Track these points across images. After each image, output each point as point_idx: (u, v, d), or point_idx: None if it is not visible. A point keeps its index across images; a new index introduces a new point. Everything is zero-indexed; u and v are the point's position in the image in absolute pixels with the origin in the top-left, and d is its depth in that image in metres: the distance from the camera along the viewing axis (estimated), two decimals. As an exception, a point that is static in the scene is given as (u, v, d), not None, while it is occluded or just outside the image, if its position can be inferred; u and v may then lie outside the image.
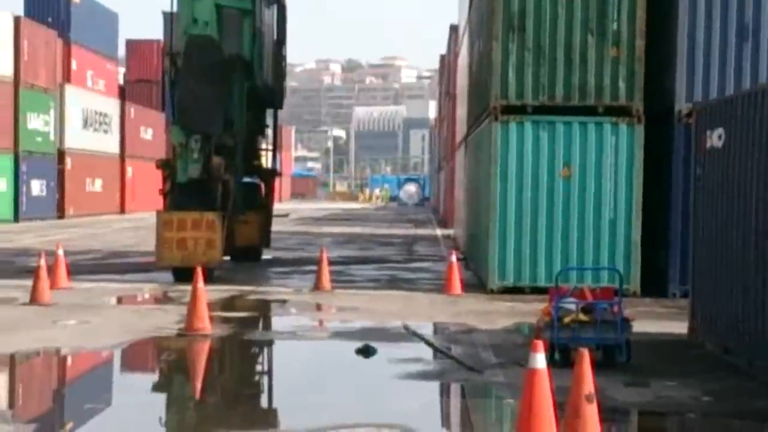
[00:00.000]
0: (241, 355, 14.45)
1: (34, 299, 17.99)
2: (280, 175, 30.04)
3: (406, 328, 15.60)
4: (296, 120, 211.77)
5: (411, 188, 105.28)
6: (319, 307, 18.82)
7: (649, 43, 19.89)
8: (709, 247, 13.89)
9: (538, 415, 8.47)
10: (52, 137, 50.02)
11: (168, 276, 22.01)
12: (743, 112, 12.70)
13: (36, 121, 48.05)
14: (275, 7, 27.41)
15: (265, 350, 14.98)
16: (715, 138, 13.56)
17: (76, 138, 52.82)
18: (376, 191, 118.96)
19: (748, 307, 12.35)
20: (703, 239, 14.16)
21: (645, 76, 19.83)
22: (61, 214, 50.92)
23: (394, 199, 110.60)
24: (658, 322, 16.23)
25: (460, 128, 34.77)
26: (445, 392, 12.01)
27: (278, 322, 17.76)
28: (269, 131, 28.95)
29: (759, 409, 10.65)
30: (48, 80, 49.21)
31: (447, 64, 55.32)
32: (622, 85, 19.83)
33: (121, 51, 67.10)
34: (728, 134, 13.20)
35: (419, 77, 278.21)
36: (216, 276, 21.63)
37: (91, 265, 25.59)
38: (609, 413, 9.79)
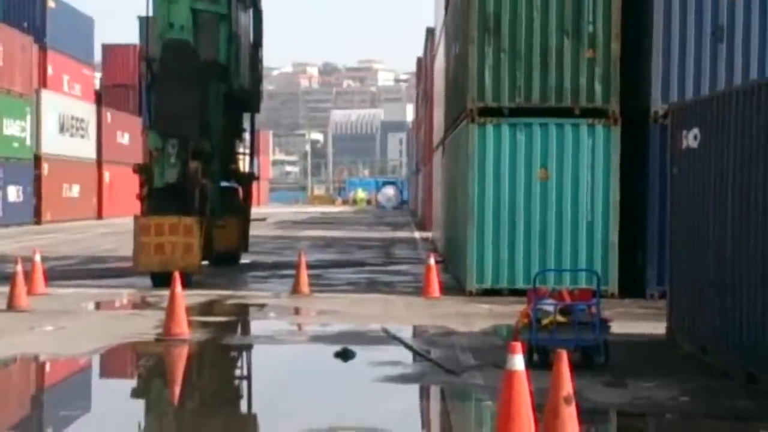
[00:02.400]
0: (220, 360, 14.42)
1: (10, 305, 17.89)
2: (257, 179, 30.00)
3: (384, 331, 15.61)
4: (274, 124, 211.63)
5: (389, 191, 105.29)
6: (297, 311, 18.81)
7: (624, 45, 19.95)
8: (685, 247, 13.95)
9: (517, 417, 8.48)
10: (28, 143, 49.77)
11: (146, 281, 21.94)
12: (718, 113, 12.76)
13: (12, 127, 47.82)
14: (251, 10, 27.40)
15: (244, 355, 14.95)
16: (691, 138, 13.61)
17: (53, 143, 52.58)
18: (360, 192, 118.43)
19: (725, 307, 12.40)
20: (679, 240, 14.22)
21: (621, 77, 19.89)
22: (38, 219, 50.66)
23: (369, 202, 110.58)
24: (636, 322, 16.28)
25: (438, 131, 34.81)
26: (424, 395, 12.02)
27: (257, 327, 17.73)
28: (246, 135, 28.91)
29: (737, 409, 10.69)
30: (24, 85, 48.97)
31: (424, 66, 55.37)
32: (598, 86, 19.88)
33: (98, 56, 66.91)
34: (704, 134, 13.26)
35: (396, 80, 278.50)
36: (194, 281, 21.56)
37: (69, 271, 25.49)
38: (587, 414, 9.80)
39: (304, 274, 20.71)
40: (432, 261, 20.73)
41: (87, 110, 58.75)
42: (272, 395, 11.83)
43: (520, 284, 19.36)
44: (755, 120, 11.62)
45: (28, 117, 49.62)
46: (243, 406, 11.81)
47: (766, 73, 19.05)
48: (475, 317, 17.23)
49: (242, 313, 18.98)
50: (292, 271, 21.95)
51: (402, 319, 17.40)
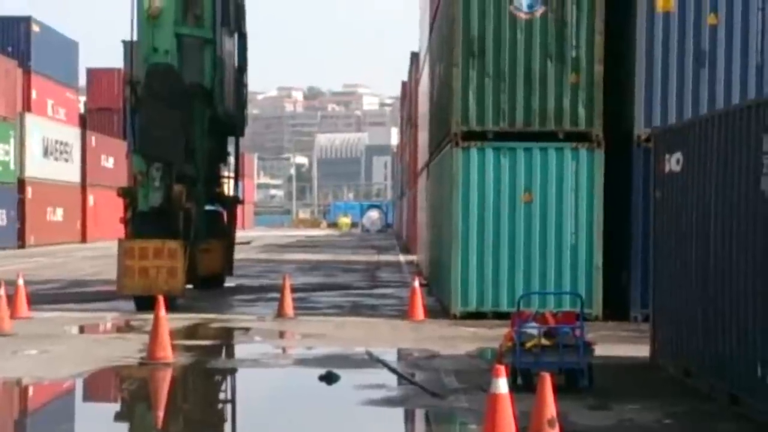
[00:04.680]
0: (204, 384, 14.39)
1: (-6, 329, 17.83)
2: (242, 202, 30.00)
3: (369, 354, 15.60)
4: (258, 147, 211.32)
5: (374, 215, 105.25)
6: (282, 335, 18.79)
7: (608, 69, 20.06)
8: (669, 271, 14.00)
9: (501, 440, 8.49)
10: (12, 166, 49.69)
11: (130, 305, 21.89)
12: (701, 137, 12.83)
13: (-4, 151, 47.75)
14: (236, 35, 27.45)
15: (228, 378, 14.92)
16: (674, 162, 13.69)
17: (37, 167, 52.48)
18: (342, 218, 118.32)
19: (708, 330, 12.45)
20: (663, 263, 14.27)
21: (604, 101, 19.99)
22: (21, 243, 50.50)
23: (354, 225, 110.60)
24: (620, 345, 16.31)
25: (422, 154, 34.85)
26: (408, 418, 12.01)
27: (241, 350, 17.69)
28: (231, 159, 28.93)
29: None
30: (8, 109, 48.91)
31: (408, 90, 55.46)
32: (581, 110, 19.97)
33: (82, 80, 66.81)
34: (686, 158, 13.33)
35: (381, 104, 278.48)
36: (178, 304, 21.54)
37: (53, 295, 25.41)
38: (571, 437, 9.82)
39: (289, 297, 20.71)
40: (417, 284, 20.75)
41: (71, 134, 58.66)
42: (257, 419, 11.81)
43: (504, 307, 19.37)
44: (737, 144, 11.69)
45: (12, 141, 49.54)
46: (227, 431, 11.78)
47: (748, 97, 19.15)
48: (459, 340, 17.24)
49: (227, 336, 18.94)
50: (276, 295, 21.94)
51: (386, 342, 17.39)
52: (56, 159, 55.83)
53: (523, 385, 12.10)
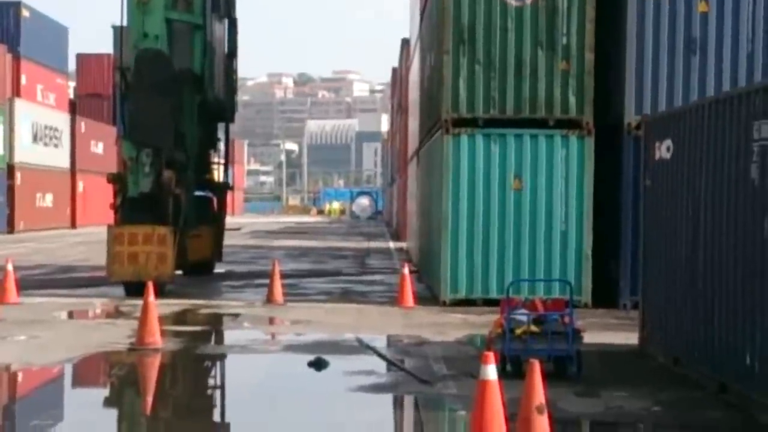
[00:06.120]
0: (193, 370, 14.39)
1: (-17, 315, 17.81)
2: (232, 188, 29.95)
3: (358, 340, 15.62)
4: (248, 134, 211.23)
5: (364, 201, 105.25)
6: (271, 321, 18.79)
7: (598, 57, 20.06)
8: (658, 258, 14.02)
9: (490, 427, 8.51)
10: (1, 152, 49.56)
11: (119, 290, 21.87)
12: (691, 125, 12.85)
13: (-15, 136, 47.63)
14: (226, 21, 27.38)
15: (217, 364, 14.92)
16: (664, 150, 13.70)
17: (26, 152, 52.36)
18: (331, 205, 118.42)
19: (697, 317, 12.48)
20: (652, 251, 14.29)
21: (595, 89, 19.99)
22: (10, 229, 50.41)
23: (343, 212, 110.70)
24: (610, 333, 16.34)
25: (412, 141, 34.86)
26: (398, 405, 12.02)
27: (230, 336, 17.69)
28: (221, 145, 28.87)
29: (708, 420, 10.75)
30: (-3, 94, 48.80)
31: (399, 77, 55.42)
32: (572, 98, 19.97)
33: (72, 65, 66.66)
34: (676, 146, 13.35)
35: (371, 91, 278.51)
36: (168, 290, 21.52)
37: (42, 280, 25.38)
38: (560, 424, 9.83)
39: (278, 283, 20.70)
40: (406, 271, 20.76)
41: (61, 119, 58.53)
42: (245, 405, 11.81)
43: (494, 294, 19.39)
44: (727, 131, 11.70)
45: (1, 126, 49.41)
46: (216, 416, 11.77)
47: (739, 84, 19.17)
48: (448, 327, 17.25)
49: (216, 322, 18.93)
50: (266, 281, 21.93)
51: (376, 328, 17.40)
52: (46, 144, 55.71)
53: (512, 371, 12.12)
